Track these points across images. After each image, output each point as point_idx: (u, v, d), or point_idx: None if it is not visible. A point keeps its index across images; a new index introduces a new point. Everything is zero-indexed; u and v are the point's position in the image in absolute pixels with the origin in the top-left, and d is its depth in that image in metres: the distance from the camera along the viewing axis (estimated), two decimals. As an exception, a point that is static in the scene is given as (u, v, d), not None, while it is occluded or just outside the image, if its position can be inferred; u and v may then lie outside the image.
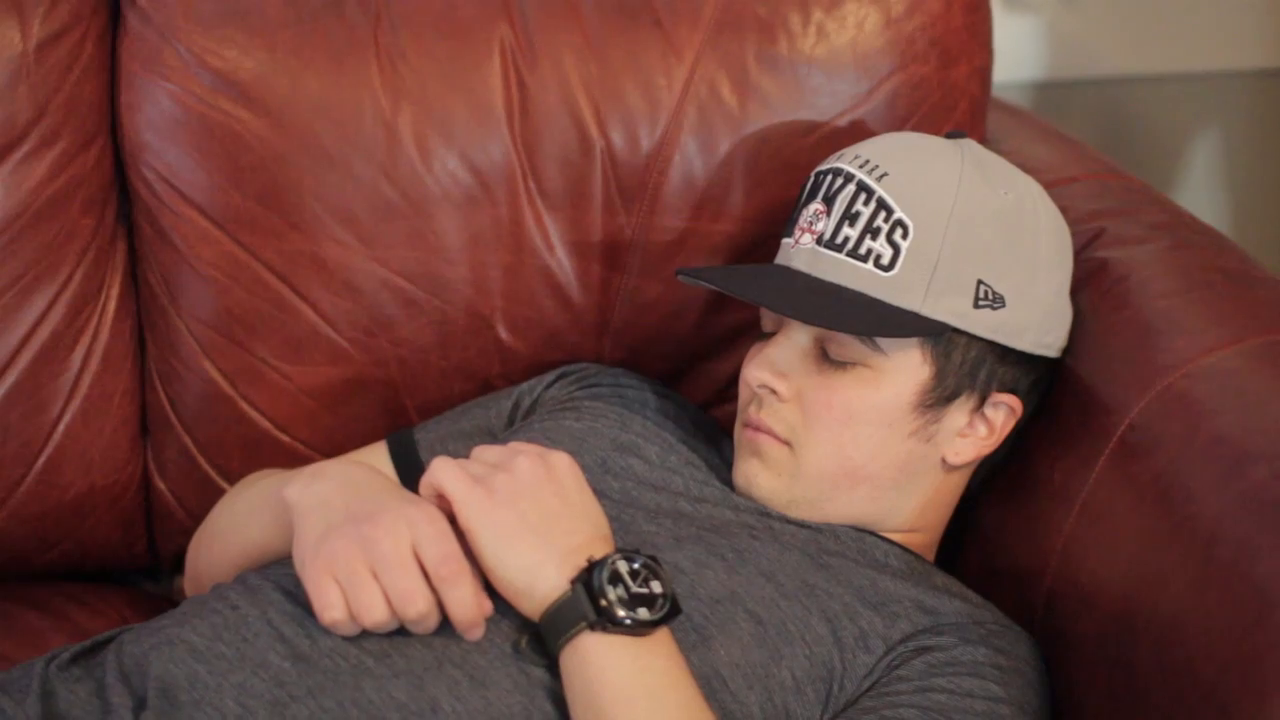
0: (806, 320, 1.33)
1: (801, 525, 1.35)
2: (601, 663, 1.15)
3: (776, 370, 1.34)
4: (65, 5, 1.52)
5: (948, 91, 1.60)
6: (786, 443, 1.35)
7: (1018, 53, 1.92)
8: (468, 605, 1.16)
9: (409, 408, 1.60)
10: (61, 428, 1.56)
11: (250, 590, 1.26)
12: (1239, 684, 1.12)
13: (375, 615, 1.15)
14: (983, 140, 1.61)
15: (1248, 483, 1.18)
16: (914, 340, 1.32)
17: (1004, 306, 1.33)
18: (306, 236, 1.55)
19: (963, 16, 1.60)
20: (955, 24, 1.60)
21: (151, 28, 1.54)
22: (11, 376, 1.54)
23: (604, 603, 1.15)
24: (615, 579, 1.16)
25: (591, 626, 1.15)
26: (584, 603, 1.15)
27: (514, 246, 1.58)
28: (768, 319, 1.39)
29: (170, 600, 1.68)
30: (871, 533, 1.36)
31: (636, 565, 1.17)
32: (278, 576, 1.26)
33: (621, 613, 1.15)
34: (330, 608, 1.15)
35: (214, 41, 1.53)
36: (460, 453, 1.28)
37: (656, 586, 1.17)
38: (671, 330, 1.63)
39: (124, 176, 1.58)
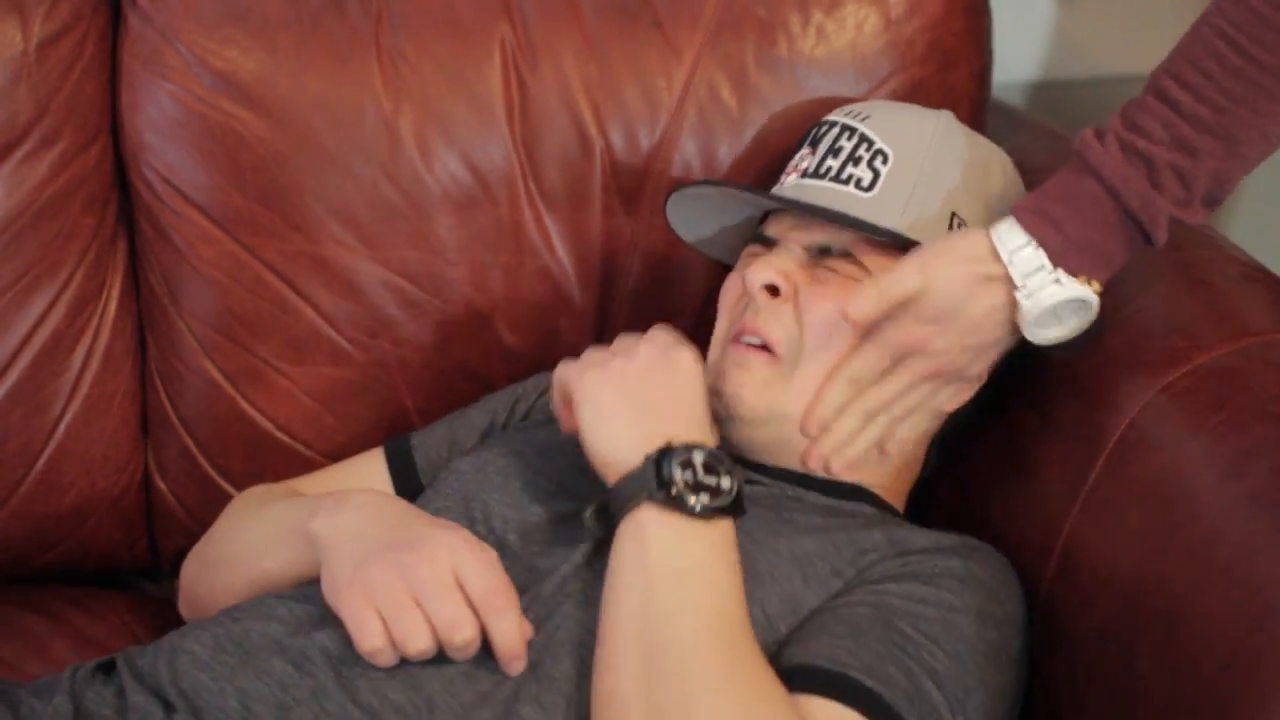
0: (808, 211, 1.37)
1: (772, 484, 1.35)
2: (650, 535, 1.17)
3: (778, 268, 1.36)
4: (66, 5, 1.52)
5: (947, 93, 1.60)
6: (776, 355, 1.35)
7: (1018, 53, 1.92)
8: (513, 636, 1.17)
9: (410, 408, 1.60)
10: (62, 428, 1.57)
11: (251, 605, 1.27)
12: (1239, 683, 1.12)
13: (419, 643, 1.15)
14: (982, 141, 1.62)
15: (1247, 482, 1.18)
16: (896, 259, 1.34)
17: None
18: (307, 237, 1.55)
19: (963, 19, 1.61)
20: (955, 26, 1.60)
21: (152, 28, 1.54)
22: (12, 376, 1.54)
23: (669, 482, 1.17)
24: (687, 464, 1.18)
25: (651, 499, 1.17)
26: (650, 477, 1.18)
27: (514, 247, 1.58)
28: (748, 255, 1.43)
29: (170, 603, 1.68)
30: (846, 487, 1.37)
31: (710, 458, 1.19)
32: (274, 592, 1.27)
33: (682, 495, 1.17)
34: (370, 636, 1.15)
35: (215, 42, 1.53)
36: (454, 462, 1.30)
37: (725, 483, 1.19)
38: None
39: (125, 176, 1.58)
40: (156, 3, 1.54)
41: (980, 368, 1.34)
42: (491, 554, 1.19)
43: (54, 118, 1.52)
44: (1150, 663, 1.20)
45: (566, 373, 1.27)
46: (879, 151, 1.40)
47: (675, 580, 1.16)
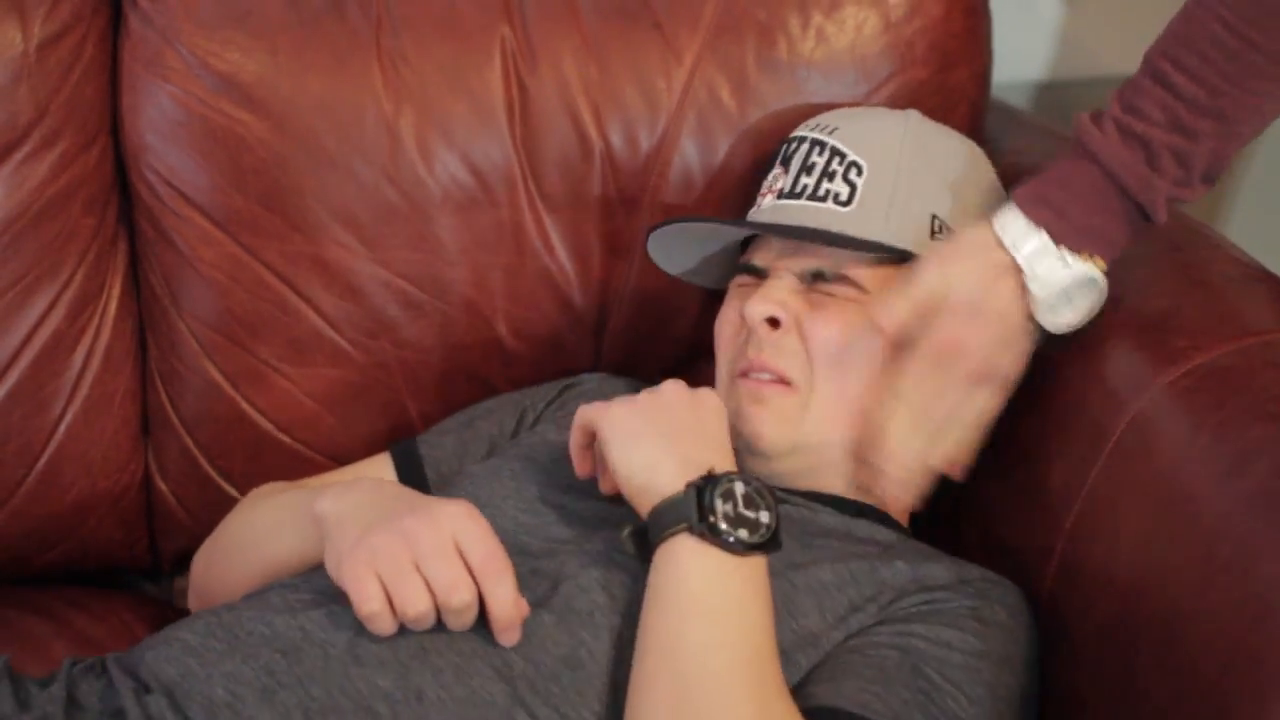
0: (790, 235, 1.38)
1: (787, 498, 1.35)
2: (688, 566, 1.17)
3: (776, 299, 1.36)
4: (66, 6, 1.52)
5: (946, 95, 1.60)
6: (790, 384, 1.36)
7: (1018, 53, 1.92)
8: (509, 603, 1.17)
9: (410, 409, 1.60)
10: (63, 428, 1.57)
11: (249, 596, 1.28)
12: (1239, 684, 1.12)
13: (418, 606, 1.15)
14: (982, 142, 1.62)
15: (1248, 482, 1.19)
16: (891, 271, 1.36)
17: None
18: (308, 238, 1.55)
19: (962, 20, 1.61)
20: (955, 28, 1.61)
21: (153, 29, 1.54)
22: (13, 377, 1.54)
23: (709, 513, 1.17)
24: (728, 496, 1.18)
25: (691, 530, 1.17)
26: (691, 507, 1.17)
27: (515, 248, 1.58)
28: (736, 286, 1.44)
29: (170, 603, 1.68)
30: (856, 506, 1.37)
31: (751, 490, 1.19)
32: (280, 579, 1.27)
33: (723, 527, 1.17)
34: (370, 599, 1.15)
35: (216, 44, 1.53)
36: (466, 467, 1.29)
37: (764, 517, 1.19)
38: (669, 332, 1.63)
39: (125, 177, 1.58)
40: (157, 4, 1.54)
41: (1011, 364, 1.34)
42: (486, 522, 1.18)
43: (54, 119, 1.52)
44: (1150, 663, 1.20)
45: (589, 412, 1.26)
46: (852, 164, 1.40)
47: (711, 616, 1.16)
